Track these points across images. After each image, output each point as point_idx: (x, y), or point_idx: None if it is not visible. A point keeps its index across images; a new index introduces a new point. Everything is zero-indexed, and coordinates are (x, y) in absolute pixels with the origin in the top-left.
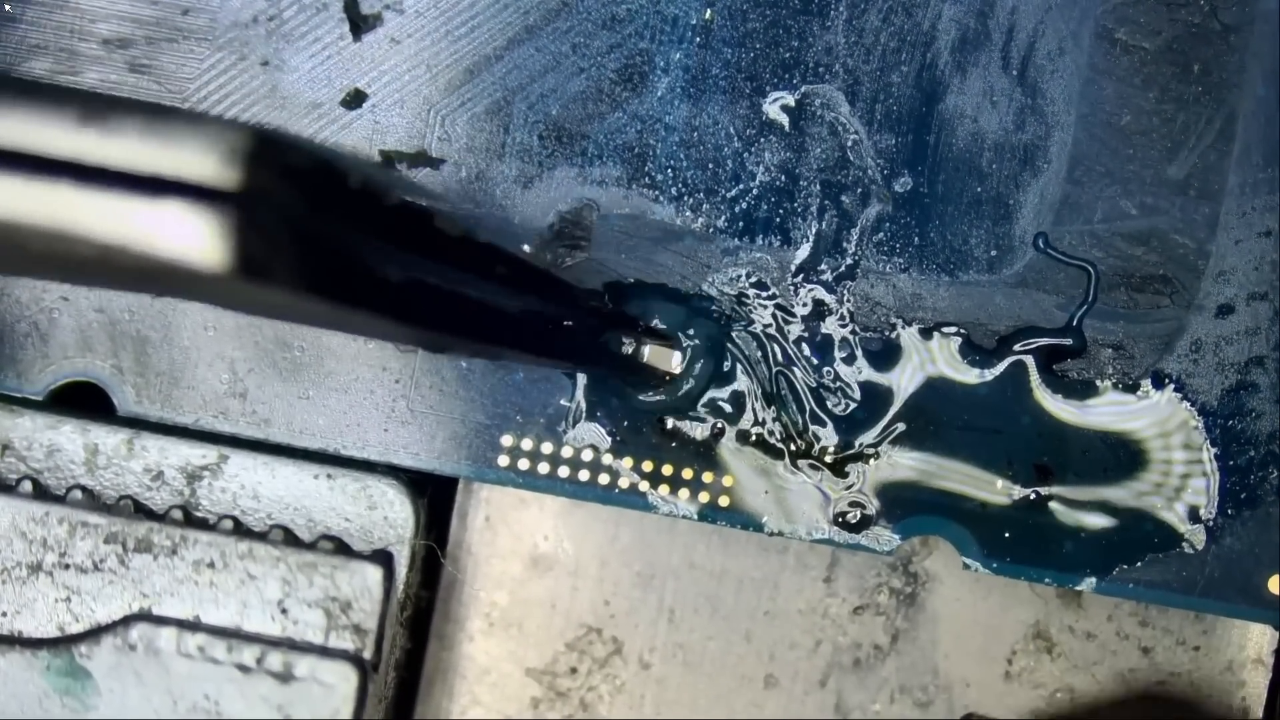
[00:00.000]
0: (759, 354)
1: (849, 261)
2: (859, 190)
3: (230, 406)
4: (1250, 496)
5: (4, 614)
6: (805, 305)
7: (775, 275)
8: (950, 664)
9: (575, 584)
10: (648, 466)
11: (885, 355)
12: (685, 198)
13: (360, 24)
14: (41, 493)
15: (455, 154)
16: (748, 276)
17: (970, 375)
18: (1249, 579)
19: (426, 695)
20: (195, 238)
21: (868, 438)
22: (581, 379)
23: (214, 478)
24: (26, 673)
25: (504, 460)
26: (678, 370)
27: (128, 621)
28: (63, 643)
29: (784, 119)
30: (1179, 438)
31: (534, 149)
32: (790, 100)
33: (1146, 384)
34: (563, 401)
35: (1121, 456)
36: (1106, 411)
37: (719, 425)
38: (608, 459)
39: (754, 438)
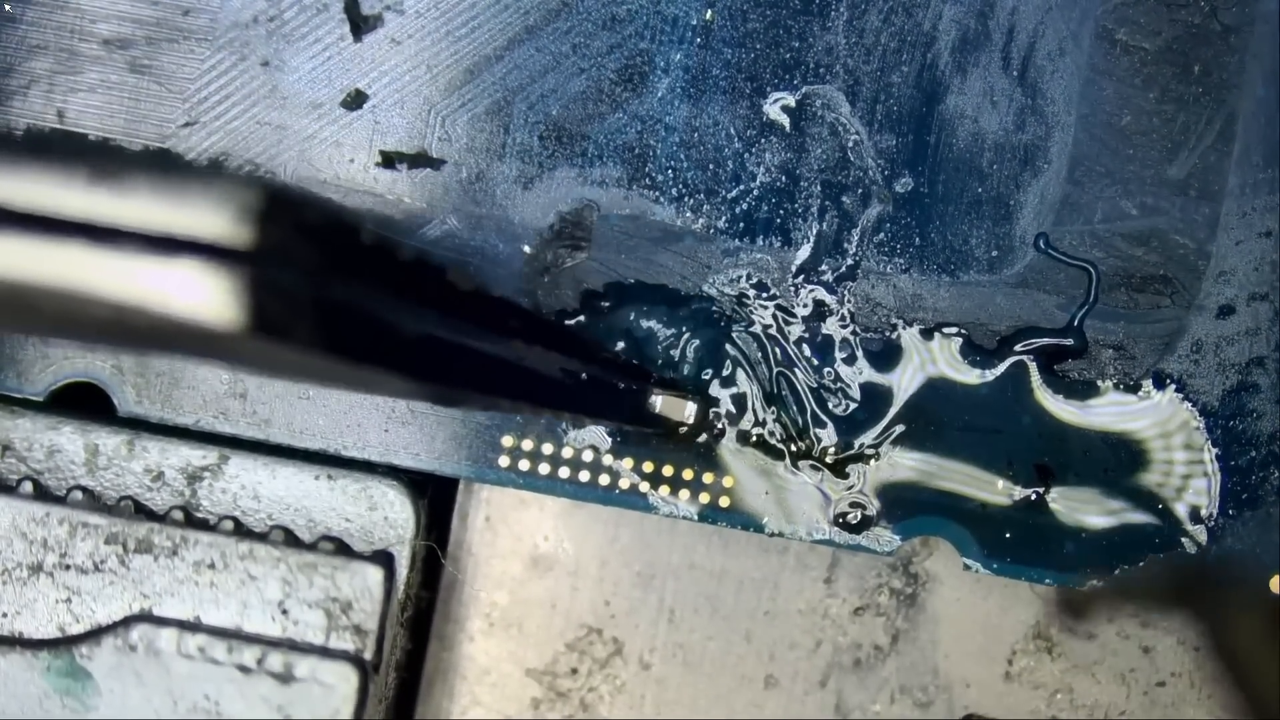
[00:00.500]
0: (759, 355)
1: (850, 262)
2: (859, 191)
3: (230, 407)
4: (1251, 497)
5: (4, 615)
6: (806, 306)
7: (776, 276)
8: (950, 664)
9: (575, 584)
10: (648, 467)
11: (886, 356)
12: (686, 198)
13: (360, 24)
14: (42, 493)
15: (455, 154)
16: (748, 277)
17: (971, 376)
18: (1249, 579)
19: (427, 696)
20: (209, 296)
21: (868, 438)
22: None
23: (214, 478)
24: (27, 673)
25: (504, 461)
26: (690, 420)
27: (128, 622)
28: (63, 643)
29: (784, 119)
30: (1180, 438)
31: (534, 149)
32: (791, 101)
33: (1147, 384)
34: None
35: (1122, 457)
36: (1107, 412)
37: (720, 426)
38: (608, 460)
39: (754, 438)
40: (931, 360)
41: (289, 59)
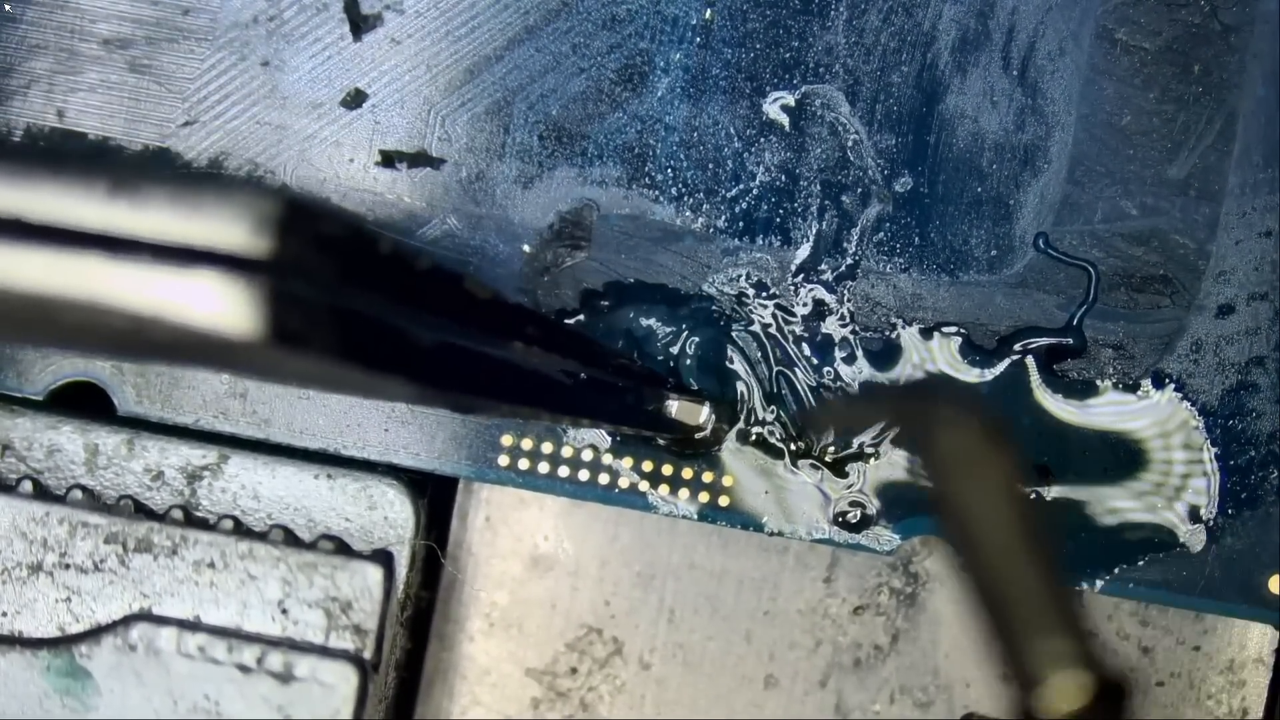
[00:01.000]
0: (759, 354)
1: (849, 261)
2: (859, 190)
3: (230, 407)
4: (1250, 496)
5: (4, 614)
6: (805, 305)
7: (775, 275)
8: (950, 664)
9: (575, 584)
10: (648, 466)
11: (886, 355)
12: (685, 198)
13: (360, 24)
14: (42, 493)
15: (455, 154)
16: (748, 276)
17: (970, 375)
18: (1249, 579)
19: (427, 695)
20: (228, 307)
21: (867, 437)
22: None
23: (214, 478)
24: (27, 673)
25: (504, 460)
26: (705, 424)
27: (128, 621)
28: (63, 643)
29: (784, 119)
30: (1179, 438)
31: (534, 149)
32: (790, 100)
33: (1147, 384)
34: None
35: (1122, 456)
36: (1107, 411)
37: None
38: (608, 459)
39: (754, 437)
40: (931, 360)
41: (289, 59)
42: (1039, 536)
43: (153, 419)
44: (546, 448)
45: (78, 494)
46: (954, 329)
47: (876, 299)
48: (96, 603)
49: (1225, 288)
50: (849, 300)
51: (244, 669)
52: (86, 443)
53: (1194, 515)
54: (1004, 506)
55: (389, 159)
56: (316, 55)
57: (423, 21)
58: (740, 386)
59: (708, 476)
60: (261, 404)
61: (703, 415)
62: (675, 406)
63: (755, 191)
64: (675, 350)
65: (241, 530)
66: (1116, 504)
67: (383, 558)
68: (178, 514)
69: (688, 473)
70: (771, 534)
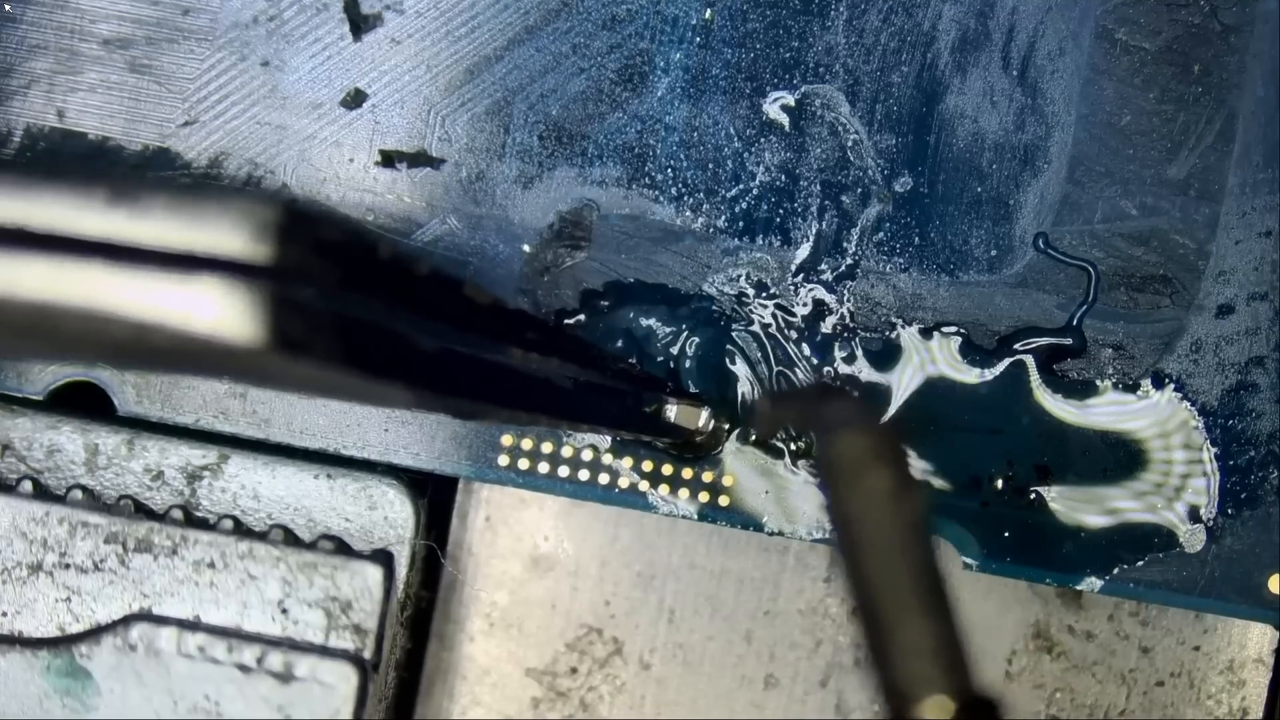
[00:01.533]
0: (759, 354)
1: (849, 261)
2: (859, 190)
3: (230, 406)
4: (1250, 496)
5: (4, 614)
6: (805, 305)
7: (775, 275)
8: None
9: (575, 584)
10: (648, 466)
11: (885, 355)
12: (685, 198)
13: (360, 24)
14: (42, 493)
15: (455, 154)
16: (748, 276)
17: (970, 375)
18: (1249, 579)
19: (427, 695)
20: (229, 313)
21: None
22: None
23: (214, 478)
24: (27, 673)
25: (504, 460)
26: (705, 428)
27: (128, 621)
28: (63, 643)
29: (784, 119)
30: (1179, 438)
31: (534, 149)
32: (790, 100)
33: (1147, 384)
34: None
35: (1121, 456)
36: (1107, 411)
37: (727, 429)
38: (608, 459)
39: (754, 437)
40: (931, 360)
41: (289, 59)
42: (920, 552)
43: (153, 419)
44: (546, 448)
45: (78, 494)
46: (954, 329)
47: (876, 299)
48: (96, 603)
49: (1225, 288)
50: (849, 300)
51: (244, 669)
52: (86, 442)
53: (1194, 515)
54: (885, 518)
55: (389, 159)
56: (316, 55)
57: (423, 21)
58: (741, 387)
59: (708, 476)
60: (261, 404)
61: (702, 418)
62: (674, 411)
63: (755, 191)
64: (675, 350)
65: (241, 530)
66: (1116, 504)
67: (383, 558)
68: (178, 514)
69: (688, 473)
70: (772, 534)
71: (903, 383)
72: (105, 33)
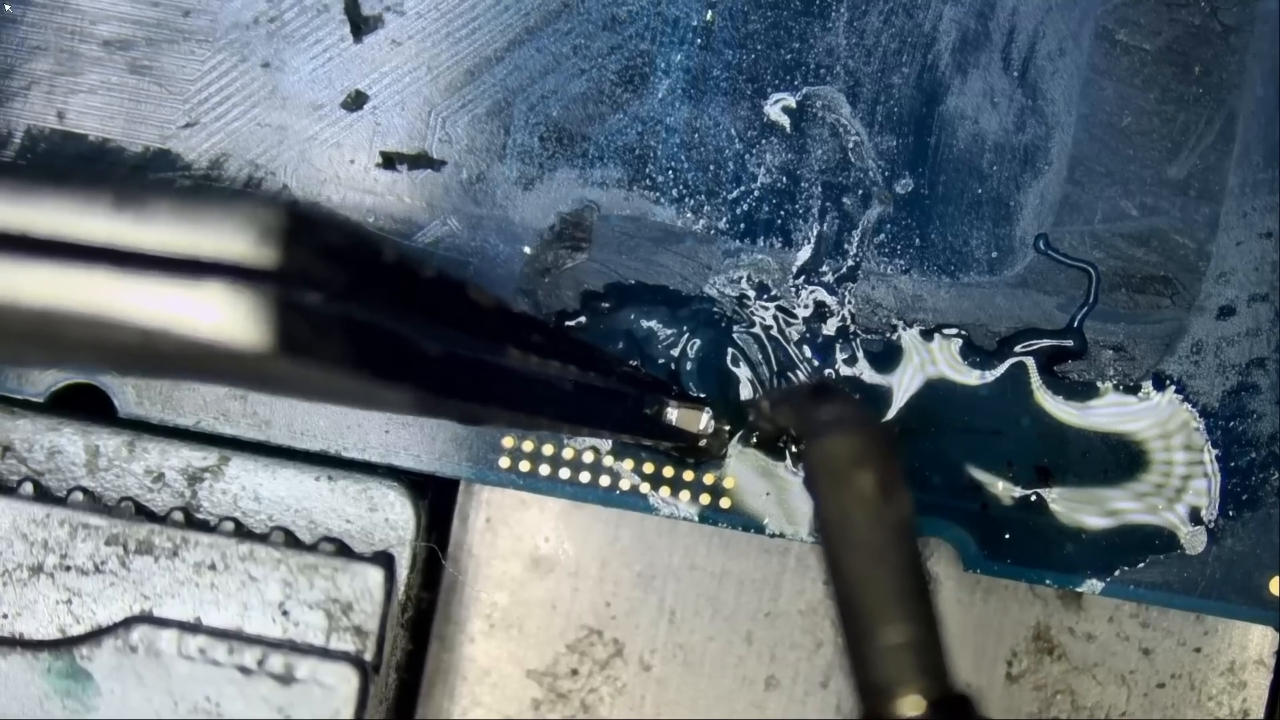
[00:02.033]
0: (760, 356)
1: (850, 263)
2: (860, 192)
3: (231, 408)
4: (1251, 498)
5: (5, 616)
6: (806, 307)
7: (776, 277)
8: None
9: (576, 585)
10: (648, 468)
11: (886, 357)
12: (686, 199)
13: (361, 25)
14: (42, 494)
15: (456, 155)
16: (749, 278)
17: (971, 377)
18: (1250, 580)
19: (427, 697)
20: (235, 317)
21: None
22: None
23: (215, 480)
24: (27, 674)
25: (505, 462)
26: (706, 431)
27: (129, 623)
28: (64, 644)
29: (785, 120)
30: (1180, 439)
31: (535, 150)
32: (791, 102)
33: (1147, 385)
34: None
35: (1122, 458)
36: (1107, 413)
37: (729, 430)
38: (609, 461)
39: (755, 439)
40: (931, 361)
41: (289, 60)
42: (903, 554)
43: (153, 421)
44: (547, 450)
45: (78, 496)
46: (954, 330)
47: (877, 300)
48: (97, 604)
49: (1226, 289)
50: (850, 302)
51: (245, 670)
52: (87, 444)
53: (1195, 517)
54: (869, 520)
55: (390, 160)
56: (317, 57)
57: (423, 23)
58: (742, 389)
59: (709, 478)
60: (262, 406)
61: (703, 421)
62: (675, 414)
63: (756, 193)
64: (676, 352)
65: (242, 532)
66: (1117, 505)
67: (383, 559)
68: (178, 516)
69: (689, 475)
70: (773, 535)
71: (903, 384)
72: (106, 34)
